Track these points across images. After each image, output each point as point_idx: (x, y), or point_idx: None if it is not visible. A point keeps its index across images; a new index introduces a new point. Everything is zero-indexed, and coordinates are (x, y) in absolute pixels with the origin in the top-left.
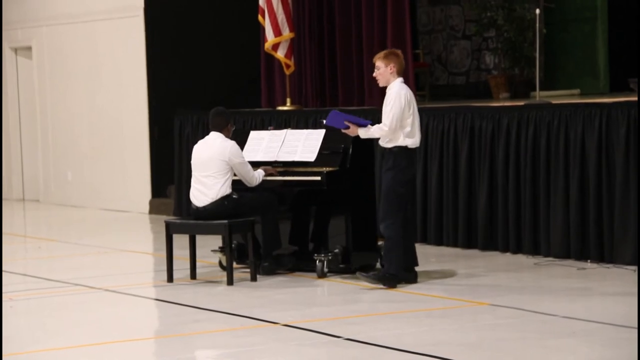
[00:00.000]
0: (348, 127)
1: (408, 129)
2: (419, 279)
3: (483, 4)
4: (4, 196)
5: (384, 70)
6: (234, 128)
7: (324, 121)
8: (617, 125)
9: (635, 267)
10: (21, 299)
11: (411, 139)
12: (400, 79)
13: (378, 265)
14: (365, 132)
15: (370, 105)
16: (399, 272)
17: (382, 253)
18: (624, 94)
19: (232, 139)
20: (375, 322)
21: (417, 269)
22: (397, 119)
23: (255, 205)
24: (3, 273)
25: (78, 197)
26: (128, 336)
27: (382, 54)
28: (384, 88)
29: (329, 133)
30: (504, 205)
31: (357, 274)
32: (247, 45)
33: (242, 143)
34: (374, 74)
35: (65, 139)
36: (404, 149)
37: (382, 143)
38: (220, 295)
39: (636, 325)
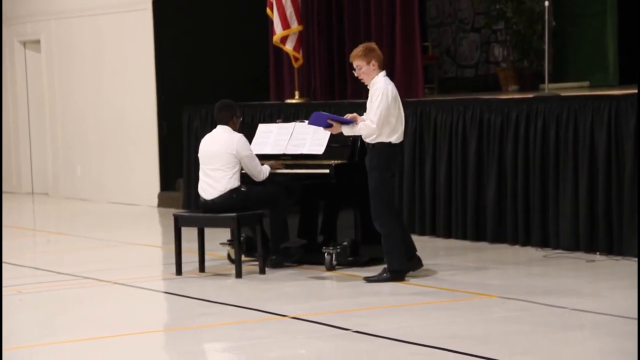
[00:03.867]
0: (331, 126)
1: (393, 124)
2: (427, 272)
3: None
4: (13, 190)
5: (366, 69)
6: (240, 119)
7: (306, 121)
8: (626, 117)
9: None
10: (30, 292)
11: (395, 134)
12: (383, 73)
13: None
14: (350, 130)
15: None
16: (403, 266)
17: (384, 251)
18: (633, 86)
19: (239, 132)
20: (384, 315)
21: (425, 262)
22: (384, 116)
23: (263, 198)
24: (13, 266)
25: (87, 191)
26: (136, 329)
27: (359, 52)
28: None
29: None
30: (513, 198)
31: (364, 279)
32: (255, 39)
33: (250, 136)
34: (356, 74)
35: (73, 132)
36: (387, 145)
37: (365, 139)
38: (229, 288)
39: None
